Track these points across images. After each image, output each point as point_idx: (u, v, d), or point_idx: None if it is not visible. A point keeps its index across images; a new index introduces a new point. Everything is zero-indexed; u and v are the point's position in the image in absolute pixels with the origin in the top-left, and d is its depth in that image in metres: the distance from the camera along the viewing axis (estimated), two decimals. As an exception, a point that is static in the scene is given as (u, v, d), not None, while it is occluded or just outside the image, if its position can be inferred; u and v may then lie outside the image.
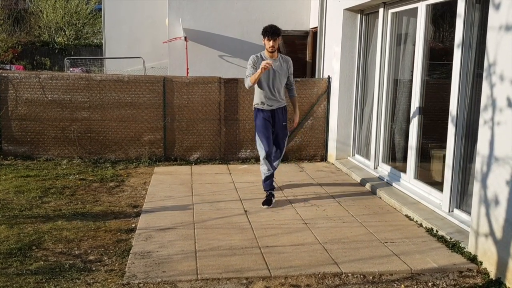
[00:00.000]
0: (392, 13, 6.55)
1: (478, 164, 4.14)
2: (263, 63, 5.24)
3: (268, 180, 5.76)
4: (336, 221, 5.10)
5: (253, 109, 5.84)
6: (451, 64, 5.05)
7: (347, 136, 7.80)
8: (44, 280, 3.69)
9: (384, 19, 6.68)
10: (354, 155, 7.80)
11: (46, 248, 4.27)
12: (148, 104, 7.74)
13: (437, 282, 3.82)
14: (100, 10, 17.24)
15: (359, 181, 6.71)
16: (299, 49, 10.04)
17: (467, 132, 4.90)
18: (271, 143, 5.73)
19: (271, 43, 5.55)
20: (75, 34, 24.75)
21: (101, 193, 6.05)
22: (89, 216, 5.15)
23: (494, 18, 3.97)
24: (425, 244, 4.49)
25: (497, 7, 3.93)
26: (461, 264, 4.10)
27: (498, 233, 3.88)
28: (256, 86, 5.64)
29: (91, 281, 3.69)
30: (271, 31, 5.55)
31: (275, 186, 6.01)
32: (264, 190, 5.79)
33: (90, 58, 17.60)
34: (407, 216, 5.29)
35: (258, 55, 5.67)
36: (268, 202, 5.60)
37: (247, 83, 5.56)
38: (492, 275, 3.91)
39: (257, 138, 5.74)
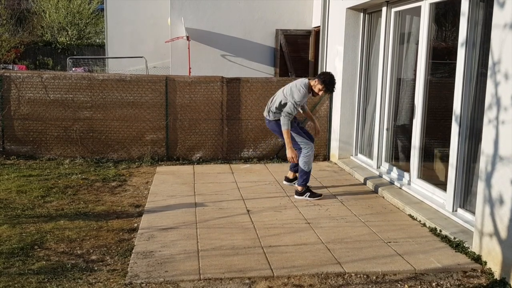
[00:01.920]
0: (395, 12, 6.52)
1: (483, 163, 4.11)
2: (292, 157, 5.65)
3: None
4: (339, 221, 5.08)
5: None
6: (455, 63, 5.02)
7: (350, 136, 7.78)
8: (46, 280, 3.68)
9: (387, 18, 6.65)
10: (357, 155, 7.77)
11: (48, 248, 4.26)
12: (151, 104, 7.73)
13: (441, 282, 3.79)
14: (102, 10, 17.26)
15: (362, 180, 6.68)
16: (301, 48, 10.03)
17: (471, 131, 4.87)
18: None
19: (323, 92, 5.81)
20: (77, 34, 24.79)
21: (103, 192, 6.04)
22: (91, 216, 5.14)
23: (499, 16, 3.94)
24: (428, 244, 4.46)
25: (502, 5, 3.91)
26: (465, 264, 4.07)
27: (503, 233, 3.85)
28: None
29: (93, 281, 3.68)
30: (333, 89, 5.84)
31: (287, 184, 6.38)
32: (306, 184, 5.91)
33: (92, 58, 17.62)
34: (410, 215, 5.26)
35: (307, 88, 5.74)
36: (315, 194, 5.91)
37: (287, 126, 5.62)
38: (497, 275, 3.88)
39: (304, 143, 5.86)
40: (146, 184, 6.47)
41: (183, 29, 9.71)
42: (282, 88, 5.94)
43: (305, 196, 5.80)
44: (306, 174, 5.84)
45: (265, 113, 6.03)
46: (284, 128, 5.63)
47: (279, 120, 5.76)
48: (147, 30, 13.05)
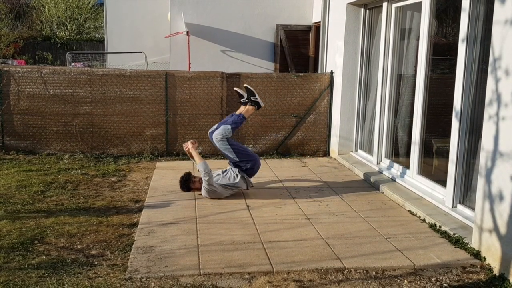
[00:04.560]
0: (396, 8, 6.50)
1: (482, 159, 4.11)
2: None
3: None
4: (338, 217, 5.09)
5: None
6: (455, 59, 5.02)
7: (350, 131, 7.78)
8: (46, 274, 3.68)
9: (388, 14, 6.64)
10: (357, 151, 7.77)
11: (49, 243, 4.27)
12: (150, 99, 7.72)
13: (441, 278, 3.80)
14: (101, 4, 17.21)
15: (362, 176, 6.68)
16: (301, 43, 10.01)
17: (471, 127, 4.87)
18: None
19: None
20: (76, 28, 24.72)
21: (103, 187, 6.04)
22: (91, 211, 5.14)
23: (500, 12, 3.94)
24: (428, 240, 4.47)
25: (503, 1, 3.90)
26: (464, 259, 4.08)
27: (502, 229, 3.86)
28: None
29: (94, 276, 3.68)
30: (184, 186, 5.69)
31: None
32: None
33: (92, 52, 17.57)
34: (410, 211, 5.27)
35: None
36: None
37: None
38: (496, 271, 3.89)
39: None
40: (146, 179, 6.46)
41: (183, 24, 9.68)
42: None
43: (252, 99, 5.87)
44: (235, 122, 5.77)
45: None
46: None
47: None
48: (147, 25, 13.00)
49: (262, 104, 6.01)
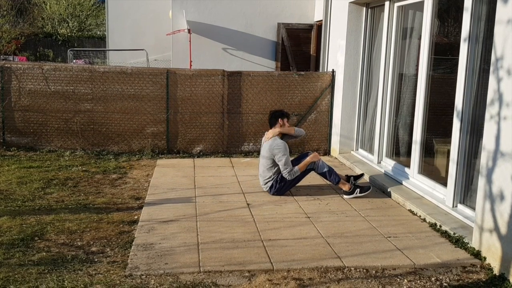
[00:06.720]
0: (398, 7, 6.49)
1: (484, 159, 4.11)
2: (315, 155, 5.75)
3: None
4: (339, 215, 5.09)
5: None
6: (457, 59, 5.01)
7: (351, 130, 7.77)
8: (46, 271, 3.68)
9: (390, 13, 6.63)
10: (357, 150, 7.77)
11: (49, 239, 4.27)
12: (151, 97, 7.72)
13: (440, 277, 3.80)
14: (103, 2, 17.22)
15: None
16: (303, 42, 10.00)
17: (472, 127, 4.87)
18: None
19: (286, 120, 5.89)
20: (78, 25, 24.74)
21: (103, 185, 6.05)
22: (92, 208, 5.15)
23: (502, 12, 3.93)
24: (428, 239, 4.47)
25: (505, 0, 3.89)
26: (464, 259, 4.08)
27: (503, 229, 3.85)
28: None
29: (93, 273, 3.69)
30: (283, 112, 5.89)
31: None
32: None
33: (93, 50, 17.58)
34: (410, 211, 5.27)
35: (281, 141, 5.73)
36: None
37: (295, 173, 5.63)
38: (496, 271, 3.89)
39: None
40: (147, 176, 6.47)
41: (185, 22, 9.68)
42: (261, 157, 5.87)
43: (356, 193, 5.66)
44: (331, 172, 5.74)
45: (263, 186, 5.84)
46: (297, 175, 5.67)
47: (279, 182, 5.69)
48: (148, 23, 13.01)
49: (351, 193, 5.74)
